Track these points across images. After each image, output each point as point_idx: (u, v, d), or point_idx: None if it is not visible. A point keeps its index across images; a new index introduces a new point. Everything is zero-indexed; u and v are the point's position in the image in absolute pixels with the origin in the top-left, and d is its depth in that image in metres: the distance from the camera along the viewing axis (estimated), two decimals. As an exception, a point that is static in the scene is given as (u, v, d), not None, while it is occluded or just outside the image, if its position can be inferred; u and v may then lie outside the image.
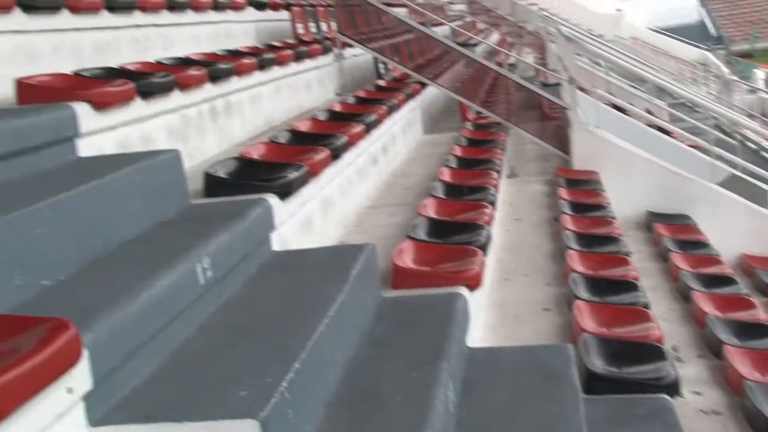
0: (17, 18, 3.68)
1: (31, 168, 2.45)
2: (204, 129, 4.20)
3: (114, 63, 4.08)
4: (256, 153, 3.62)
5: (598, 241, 4.50)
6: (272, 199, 2.93)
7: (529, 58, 12.61)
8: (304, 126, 4.45)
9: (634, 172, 6.07)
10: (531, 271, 4.13)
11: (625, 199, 5.76)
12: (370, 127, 4.82)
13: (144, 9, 4.93)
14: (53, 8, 3.97)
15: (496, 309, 3.60)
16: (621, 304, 3.59)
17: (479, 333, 3.14)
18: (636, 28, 27.24)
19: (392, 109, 5.74)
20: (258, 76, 5.10)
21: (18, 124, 2.46)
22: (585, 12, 25.14)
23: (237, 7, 6.52)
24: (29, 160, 2.46)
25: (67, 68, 3.69)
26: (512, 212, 5.12)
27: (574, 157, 6.22)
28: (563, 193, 5.40)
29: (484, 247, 3.41)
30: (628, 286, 3.81)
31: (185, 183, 2.87)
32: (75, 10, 4.14)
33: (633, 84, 9.41)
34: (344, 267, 2.55)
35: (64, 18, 4.07)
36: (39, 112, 2.72)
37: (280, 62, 5.59)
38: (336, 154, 3.95)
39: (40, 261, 1.91)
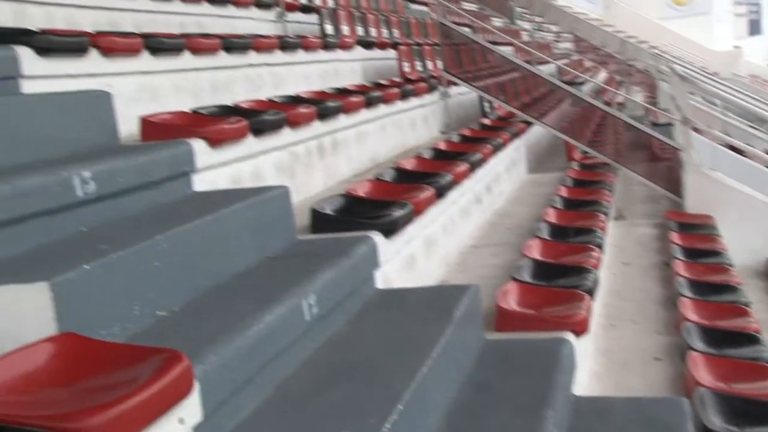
0: (144, 60, 3.91)
1: (151, 201, 2.57)
2: (311, 165, 4.29)
3: (229, 100, 4.25)
4: (361, 190, 3.66)
5: (713, 289, 4.28)
6: (377, 237, 2.95)
7: (638, 97, 12.30)
8: (409, 164, 4.48)
9: (754, 216, 5.76)
10: (640, 318, 3.96)
11: (743, 246, 5.46)
12: (474, 166, 4.80)
13: (258, 49, 5.13)
14: (177, 50, 4.19)
15: (602, 356, 3.47)
16: (741, 358, 3.38)
17: (585, 381, 3.03)
18: (755, 66, 26.12)
19: (497, 148, 5.70)
20: (364, 113, 5.19)
21: (141, 160, 2.59)
22: (699, 49, 24.33)
23: (346, 47, 6.69)
24: (149, 194, 2.58)
25: (187, 106, 3.87)
26: (620, 256, 4.96)
27: (686, 200, 5.97)
28: (675, 237, 5.19)
29: (591, 292, 3.31)
30: (748, 339, 3.59)
31: (293, 219, 2.93)
32: (196, 51, 4.36)
33: (752, 124, 8.98)
34: (448, 308, 2.53)
35: (186, 59, 4.28)
36: (160, 148, 2.86)
37: (387, 100, 5.67)
38: (440, 193, 3.94)
39: (156, 292, 1.98)
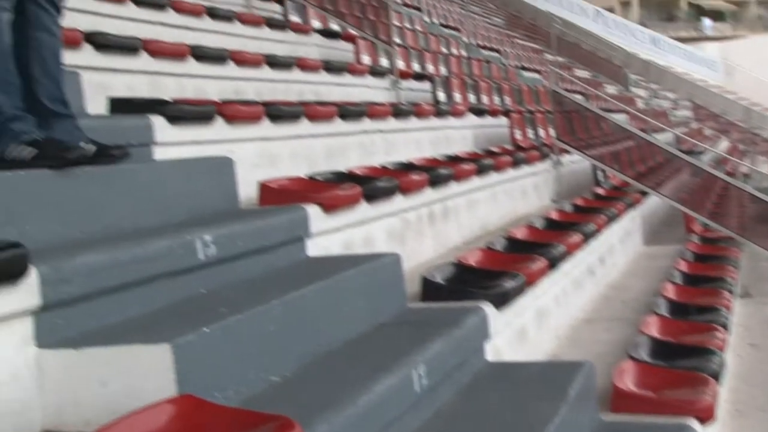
0: (264, 127, 4.07)
1: (267, 265, 2.63)
2: (421, 232, 4.30)
3: (343, 166, 4.35)
4: (472, 259, 3.62)
5: None
6: (488, 308, 2.89)
7: (765, 167, 11.74)
8: (520, 233, 4.41)
9: None
10: (770, 406, 3.67)
11: None
12: (588, 237, 4.68)
13: (372, 116, 5.25)
14: (295, 117, 4.35)
15: (729, 446, 3.23)
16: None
17: (711, 472, 2.82)
18: None
19: (611, 219, 5.54)
20: (475, 181, 5.19)
21: (259, 224, 2.67)
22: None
23: (457, 114, 6.75)
24: (265, 257, 2.64)
25: (302, 171, 3.99)
26: (746, 337, 4.65)
27: (819, 278, 5.58)
28: (807, 318, 4.83)
29: (717, 376, 3.10)
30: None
31: (404, 286, 2.93)
32: (313, 118, 4.51)
33: None
34: (561, 385, 2.43)
35: (303, 126, 4.43)
36: (277, 213, 2.94)
37: (498, 168, 5.65)
38: (553, 264, 3.85)
39: (271, 356, 2.01)
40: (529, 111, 8.14)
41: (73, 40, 3.60)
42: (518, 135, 7.24)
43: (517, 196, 6.05)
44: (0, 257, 1.60)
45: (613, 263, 5.53)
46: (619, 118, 8.99)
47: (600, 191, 6.94)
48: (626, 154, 7.27)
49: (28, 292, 1.67)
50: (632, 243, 6.42)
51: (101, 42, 4.01)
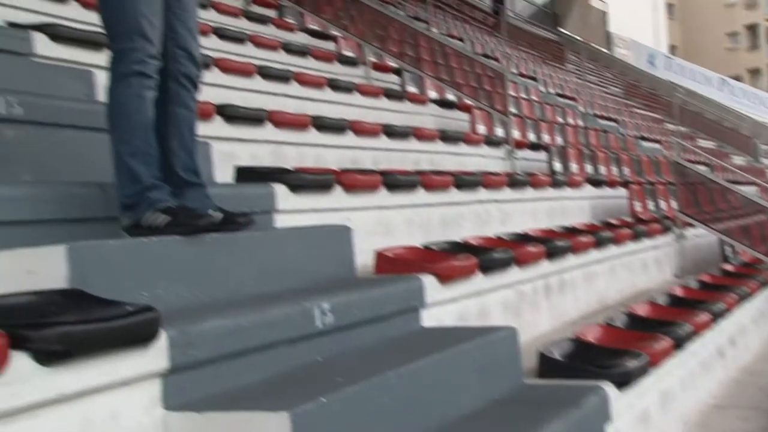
0: (381, 195, 4.14)
1: (381, 335, 2.62)
2: (537, 305, 4.19)
3: (457, 236, 4.33)
4: (591, 335, 3.49)
5: None
6: (609, 388, 2.76)
7: None
8: (642, 310, 4.22)
9: None
10: None
11: None
12: (717, 317, 4.41)
13: (487, 186, 5.23)
14: (411, 186, 4.39)
15: None
16: None
17: None
18: None
19: (743, 298, 5.21)
20: (594, 254, 5.03)
21: (375, 293, 2.68)
22: None
23: (574, 184, 6.63)
24: (380, 326, 2.64)
25: (417, 240, 4.00)
26: None
27: None
28: None
29: None
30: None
31: (520, 361, 2.85)
32: (429, 188, 4.54)
33: None
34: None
35: (419, 195, 4.47)
36: (393, 282, 2.95)
37: (617, 241, 5.47)
38: (678, 344, 3.65)
39: (384, 429, 1.98)
40: (649, 182, 7.88)
41: (205, 113, 3.81)
42: (638, 207, 7.00)
43: (637, 270, 5.82)
44: (134, 321, 1.67)
45: (746, 345, 5.17)
46: (749, 191, 8.56)
47: (729, 268, 6.55)
48: (758, 229, 6.87)
49: (157, 355, 1.74)
50: (767, 324, 6.00)
51: (231, 114, 4.22)
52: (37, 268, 1.84)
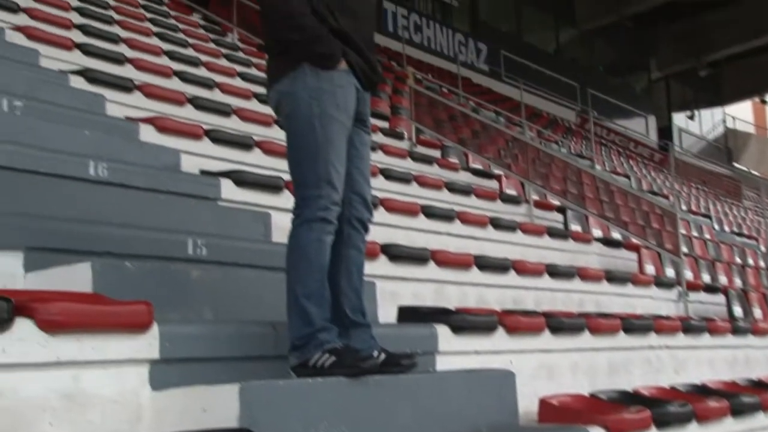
0: (545, 339, 4.00)
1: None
2: (721, 468, 3.79)
3: (626, 383, 4.07)
4: None
5: None
6: None
7: None
8: None
9: None
10: None
11: None
12: None
13: (659, 331, 4.93)
14: (576, 330, 4.22)
15: None
16: None
17: None
18: None
19: None
20: (786, 412, 4.53)
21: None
22: None
23: (759, 332, 6.10)
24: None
25: (582, 386, 3.79)
26: None
27: None
28: None
29: None
30: None
31: None
32: (595, 331, 4.34)
33: None
34: None
35: (584, 339, 4.28)
36: (558, 434, 2.79)
37: (814, 398, 4.90)
38: None
39: None
40: None
41: (372, 252, 3.93)
42: (836, 359, 6.29)
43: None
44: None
45: None
46: None
47: None
48: None
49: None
50: None
51: (395, 253, 4.33)
52: (211, 406, 1.91)
